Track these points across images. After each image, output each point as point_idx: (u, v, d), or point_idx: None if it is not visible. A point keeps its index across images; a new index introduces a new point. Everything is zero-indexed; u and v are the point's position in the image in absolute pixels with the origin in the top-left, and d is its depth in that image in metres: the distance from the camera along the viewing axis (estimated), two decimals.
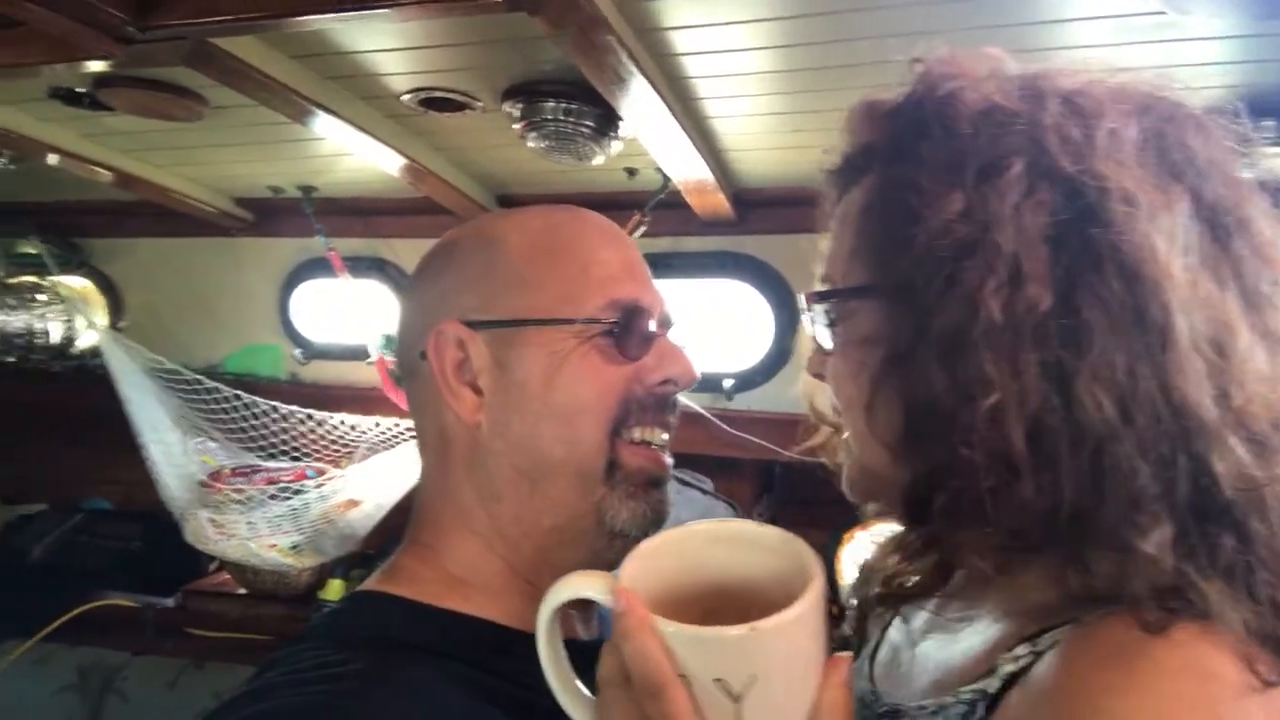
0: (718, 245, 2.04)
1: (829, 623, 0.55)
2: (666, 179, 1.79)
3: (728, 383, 2.06)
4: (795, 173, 1.81)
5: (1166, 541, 0.53)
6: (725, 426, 2.00)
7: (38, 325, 2.23)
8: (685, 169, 1.70)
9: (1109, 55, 1.22)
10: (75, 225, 2.36)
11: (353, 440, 2.04)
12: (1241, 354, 0.55)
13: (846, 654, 0.55)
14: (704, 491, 2.00)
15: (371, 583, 0.75)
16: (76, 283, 2.34)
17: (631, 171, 1.84)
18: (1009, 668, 0.57)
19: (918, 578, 0.76)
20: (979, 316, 0.56)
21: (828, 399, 0.79)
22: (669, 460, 0.77)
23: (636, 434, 0.74)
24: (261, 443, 2.03)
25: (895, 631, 0.75)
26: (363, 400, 2.16)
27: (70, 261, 2.33)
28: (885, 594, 0.78)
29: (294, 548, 1.98)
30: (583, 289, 0.74)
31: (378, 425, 2.05)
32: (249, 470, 1.98)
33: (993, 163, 0.58)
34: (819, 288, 0.71)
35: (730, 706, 0.51)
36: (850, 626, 0.82)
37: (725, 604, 0.56)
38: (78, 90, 1.55)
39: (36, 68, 1.38)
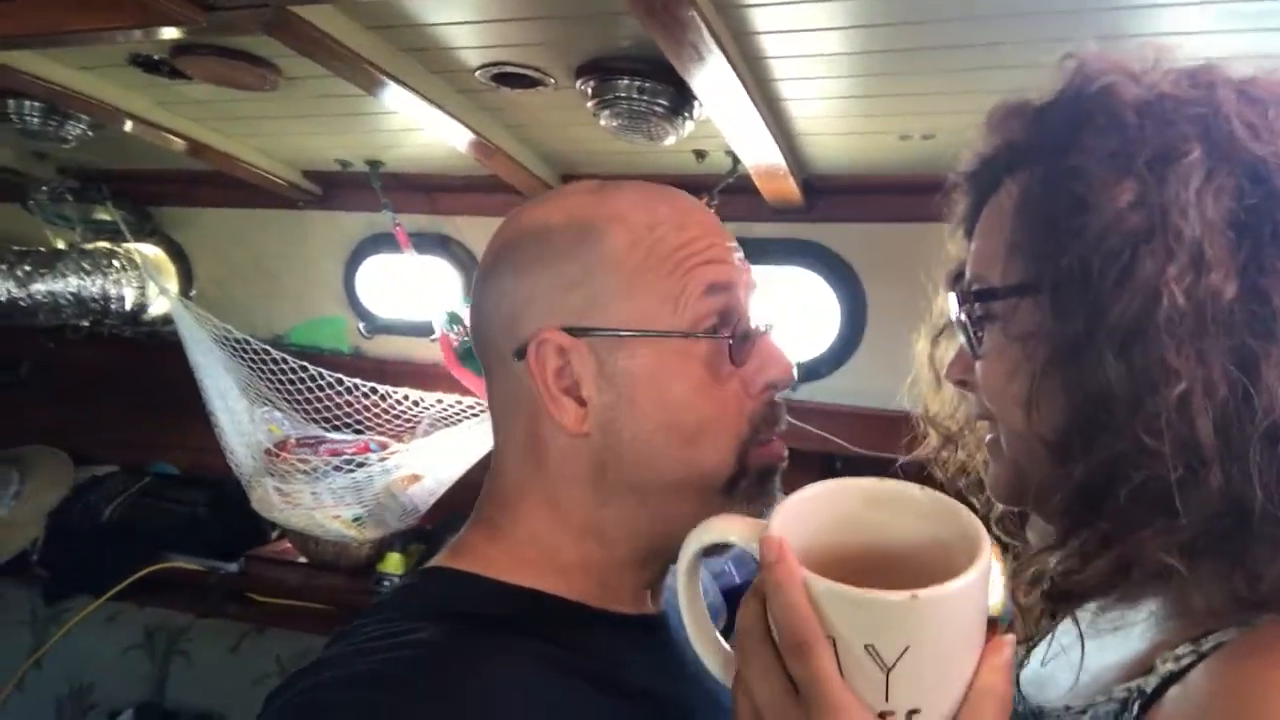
0: (785, 232, 2.00)
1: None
2: (736, 162, 1.76)
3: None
4: (866, 159, 1.77)
5: None
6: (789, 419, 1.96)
7: (112, 291, 2.26)
8: (756, 153, 1.67)
9: (1206, 43, 1.17)
10: (148, 193, 2.39)
11: (415, 415, 2.05)
12: None
13: (1011, 636, 0.52)
14: None
15: (440, 559, 0.74)
16: (149, 250, 2.38)
17: (700, 154, 1.81)
18: (1169, 666, 0.55)
19: (1088, 578, 0.73)
20: (1161, 304, 0.55)
21: (944, 405, 0.77)
22: (784, 450, 0.74)
23: (765, 437, 0.72)
24: (325, 414, 2.05)
25: (1043, 634, 0.73)
26: (425, 376, 2.17)
27: (143, 229, 2.37)
28: (1051, 594, 0.74)
29: (356, 520, 2.00)
30: (691, 296, 0.69)
31: (440, 401, 2.05)
32: (314, 441, 2.00)
33: (1168, 149, 0.57)
34: (968, 289, 0.69)
35: (879, 676, 0.48)
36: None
37: (876, 567, 0.53)
38: (156, 58, 1.56)
39: (117, 34, 1.40)
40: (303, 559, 2.29)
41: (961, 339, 0.70)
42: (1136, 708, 0.56)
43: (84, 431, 2.71)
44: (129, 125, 1.83)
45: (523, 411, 0.72)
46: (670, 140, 1.55)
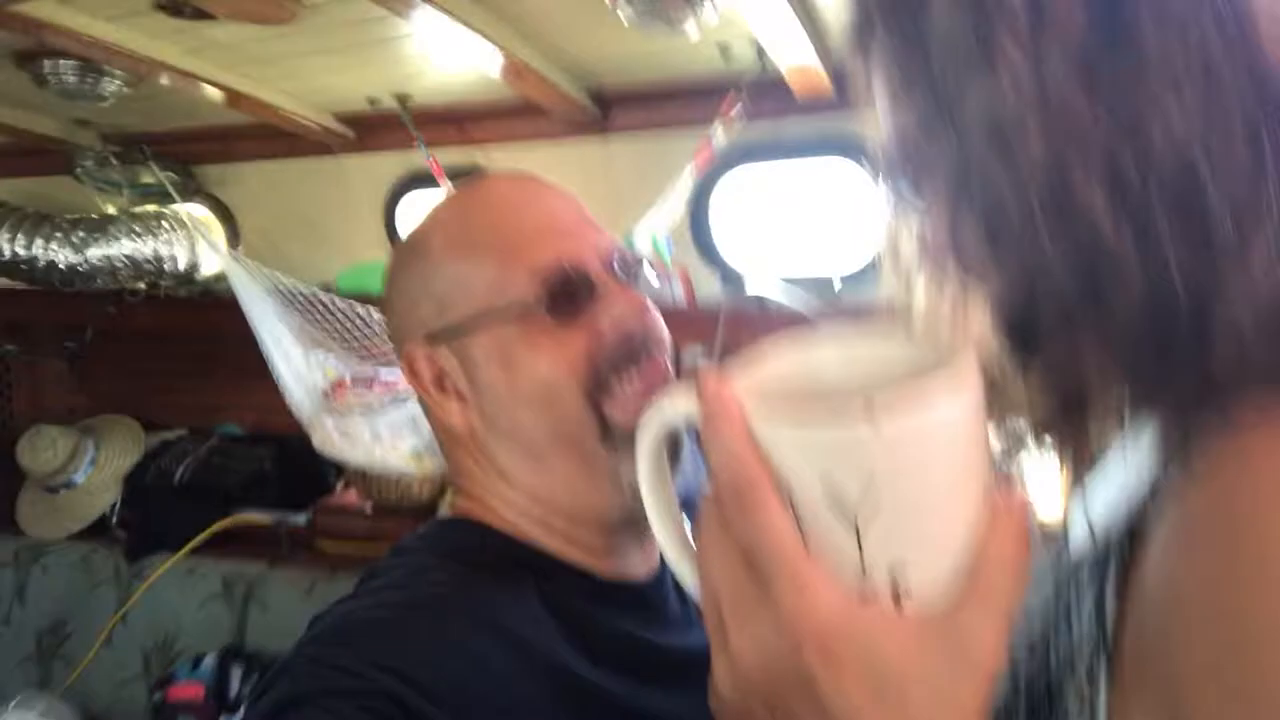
0: (819, 127, 1.96)
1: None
2: (763, 55, 1.72)
3: (838, 275, 1.99)
4: None
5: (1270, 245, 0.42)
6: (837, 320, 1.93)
7: (164, 251, 2.32)
8: (783, 44, 1.63)
9: None
10: (188, 153, 2.44)
11: None
12: None
13: (1028, 496, 0.43)
14: None
15: (452, 511, 0.82)
16: (195, 209, 2.43)
17: (725, 50, 1.77)
18: (1144, 493, 0.49)
19: (1036, 418, 0.66)
20: (1006, 79, 0.46)
21: None
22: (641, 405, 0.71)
23: (619, 390, 0.72)
24: (376, 354, 2.08)
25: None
26: None
27: (187, 189, 2.42)
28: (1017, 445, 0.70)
29: (415, 452, 2.03)
30: (508, 269, 0.73)
31: None
32: (368, 379, 2.03)
33: None
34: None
35: (845, 533, 0.38)
36: None
37: None
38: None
39: None
40: (366, 507, 2.34)
41: None
42: (1124, 544, 0.49)
43: (151, 396, 2.80)
44: (165, 78, 1.86)
45: (430, 414, 0.81)
46: (691, 27, 1.51)
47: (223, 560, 2.36)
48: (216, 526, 2.40)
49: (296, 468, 2.56)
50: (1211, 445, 0.44)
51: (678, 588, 0.81)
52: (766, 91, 1.81)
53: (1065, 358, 0.51)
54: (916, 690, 0.37)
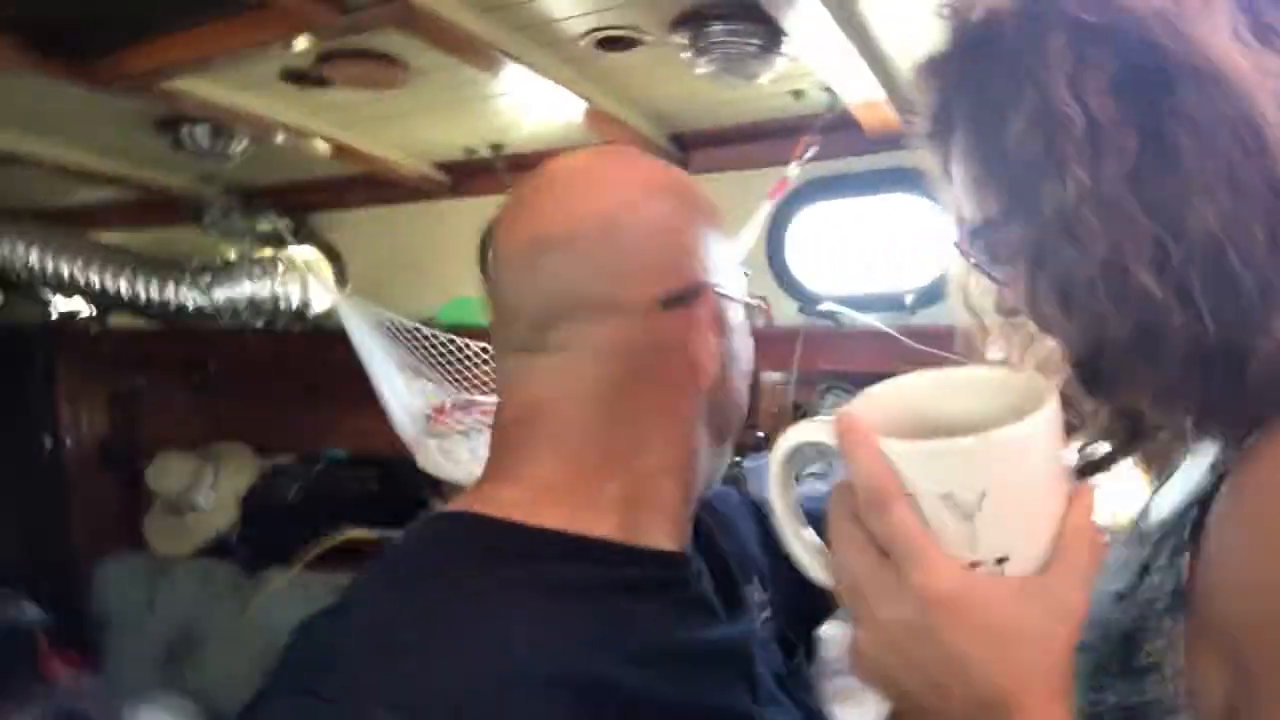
0: (890, 162, 2.06)
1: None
2: (834, 96, 1.83)
3: (909, 298, 2.08)
4: None
5: None
6: (909, 341, 2.02)
7: (280, 291, 2.54)
8: (852, 84, 1.74)
9: None
10: (301, 202, 2.66)
11: None
12: None
13: (1091, 482, 0.58)
14: None
15: (459, 504, 0.73)
16: (308, 252, 2.64)
17: (798, 94, 1.89)
18: (1209, 478, 0.63)
19: (1110, 447, 0.79)
20: (1075, 185, 0.60)
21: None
22: None
23: None
24: (475, 381, 2.23)
25: None
26: None
27: (300, 234, 2.63)
28: (1084, 469, 0.80)
29: None
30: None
31: None
32: (466, 404, 2.19)
33: (1038, 48, 0.62)
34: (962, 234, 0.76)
35: (962, 526, 0.49)
36: None
37: None
38: (303, 71, 1.77)
39: (268, 52, 1.61)
40: None
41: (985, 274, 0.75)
42: (1193, 517, 0.62)
43: (265, 424, 3.02)
44: (281, 137, 2.06)
45: (636, 361, 0.70)
46: (766, 77, 1.64)
47: (335, 573, 2.54)
48: (327, 543, 2.58)
49: (398, 488, 2.74)
50: (1256, 448, 0.58)
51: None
52: (838, 129, 1.92)
53: (1128, 395, 0.68)
54: (1018, 636, 0.50)
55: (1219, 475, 0.62)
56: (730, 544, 0.89)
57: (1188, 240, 0.57)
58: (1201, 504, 0.63)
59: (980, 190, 0.70)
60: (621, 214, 0.71)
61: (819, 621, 0.99)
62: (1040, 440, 0.50)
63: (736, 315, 0.76)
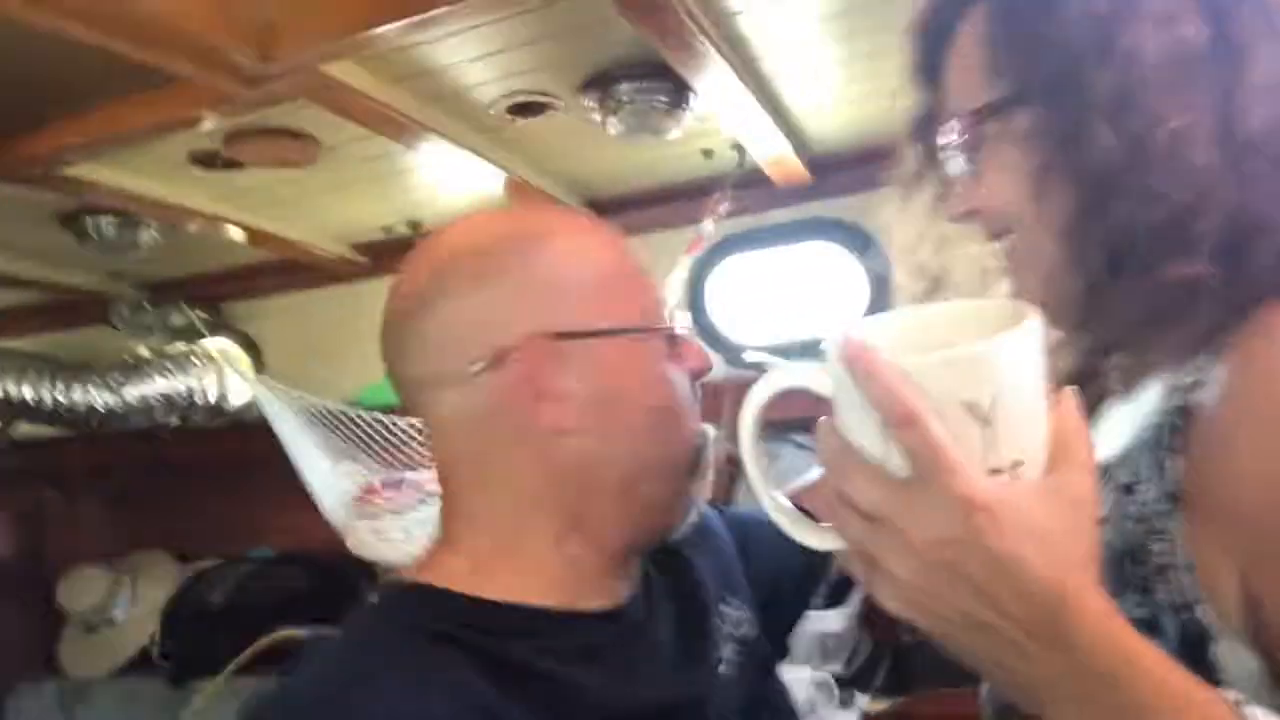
0: (800, 213, 2.12)
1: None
2: (742, 153, 1.89)
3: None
4: (865, 126, 1.85)
5: None
6: None
7: (195, 385, 2.46)
8: (760, 141, 1.80)
9: None
10: (215, 293, 2.60)
11: None
12: None
13: (1070, 387, 0.57)
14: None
15: (406, 573, 0.77)
16: (222, 343, 2.58)
17: (708, 153, 1.94)
18: (1193, 378, 0.65)
19: (1104, 378, 0.78)
20: (1141, 66, 0.63)
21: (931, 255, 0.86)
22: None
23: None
24: (403, 458, 2.18)
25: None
26: None
27: (215, 326, 2.57)
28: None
29: None
30: (635, 299, 0.76)
31: None
32: (398, 482, 2.13)
33: None
34: (950, 123, 0.75)
35: (980, 433, 0.50)
36: None
37: None
38: (211, 152, 1.75)
39: (174, 134, 1.59)
40: None
41: (959, 168, 0.75)
42: (1175, 421, 0.64)
43: (184, 527, 2.89)
44: (193, 225, 2.03)
45: (483, 426, 0.72)
46: (675, 134, 1.68)
47: (267, 678, 2.40)
48: (256, 646, 2.46)
49: (330, 583, 2.63)
50: (1251, 345, 0.62)
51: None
52: (750, 185, 1.97)
53: (1120, 314, 0.68)
54: (1056, 531, 0.50)
55: (1189, 387, 0.64)
56: (711, 561, 0.88)
57: (1248, 128, 0.62)
58: (1182, 413, 0.64)
59: (991, 74, 0.70)
60: (428, 291, 0.73)
61: (800, 605, 1.01)
62: (1036, 344, 0.53)
63: (610, 352, 0.73)
